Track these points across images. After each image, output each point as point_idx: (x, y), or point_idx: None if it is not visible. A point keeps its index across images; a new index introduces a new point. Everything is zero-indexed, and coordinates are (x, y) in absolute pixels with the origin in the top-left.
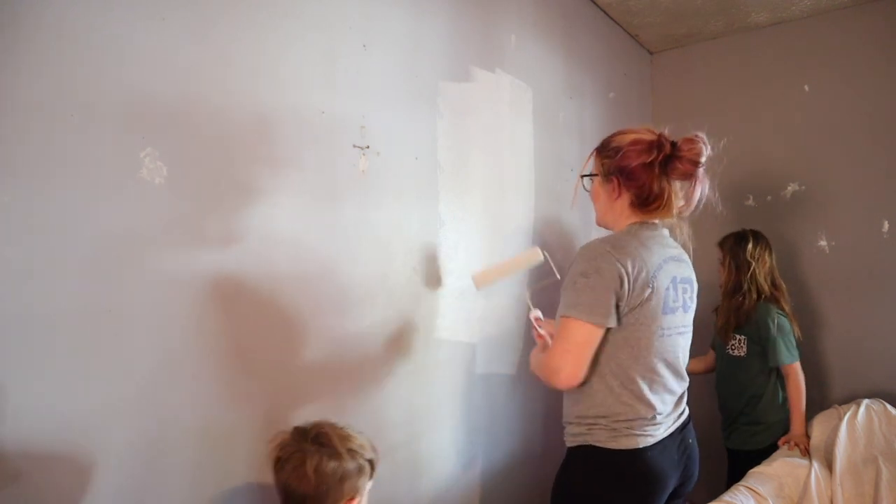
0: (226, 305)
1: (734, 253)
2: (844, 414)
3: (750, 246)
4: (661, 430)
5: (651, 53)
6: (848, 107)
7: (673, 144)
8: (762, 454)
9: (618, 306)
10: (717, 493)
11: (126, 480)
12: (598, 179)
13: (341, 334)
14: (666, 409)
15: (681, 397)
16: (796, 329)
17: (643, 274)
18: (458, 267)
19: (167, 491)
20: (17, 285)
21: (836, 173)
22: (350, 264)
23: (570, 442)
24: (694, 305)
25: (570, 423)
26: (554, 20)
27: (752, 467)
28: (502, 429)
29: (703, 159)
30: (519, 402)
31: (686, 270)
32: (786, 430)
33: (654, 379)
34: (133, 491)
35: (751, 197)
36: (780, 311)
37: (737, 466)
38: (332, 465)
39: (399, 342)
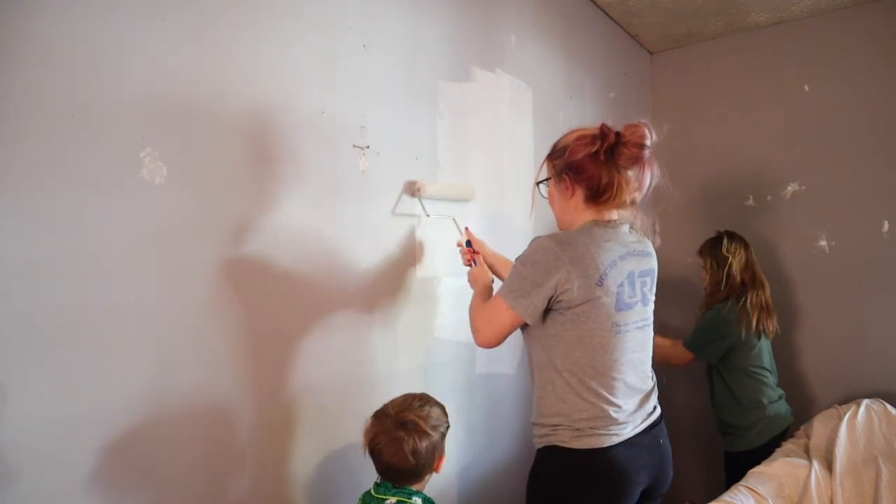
0: (225, 305)
1: (713, 253)
2: (844, 414)
3: (725, 242)
4: (628, 428)
5: (651, 53)
6: (848, 107)
7: (617, 134)
8: (746, 455)
9: (559, 301)
10: (716, 493)
11: (126, 480)
12: (551, 182)
13: (341, 334)
14: (630, 407)
15: (647, 395)
16: (771, 324)
17: (592, 271)
18: (458, 267)
19: (168, 491)
20: (18, 285)
21: (836, 173)
22: (350, 264)
23: (538, 443)
24: (653, 298)
25: (536, 424)
26: (554, 20)
27: (740, 467)
28: (502, 429)
29: (647, 142)
30: (519, 402)
31: (647, 263)
32: (759, 430)
33: (614, 377)
34: (133, 490)
35: (751, 197)
36: (732, 310)
37: (729, 467)
38: (424, 444)
39: (399, 342)
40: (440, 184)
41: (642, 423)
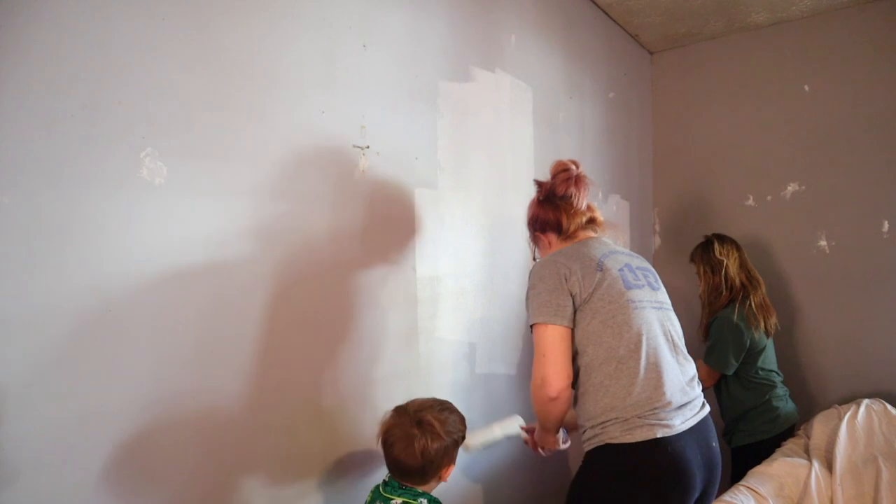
0: (225, 305)
1: (705, 258)
2: (844, 414)
3: (717, 246)
4: (678, 420)
5: (651, 53)
6: (848, 107)
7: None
8: (751, 448)
9: (574, 299)
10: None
11: (126, 480)
12: (536, 248)
13: (341, 334)
14: (673, 386)
15: (690, 380)
16: (772, 322)
17: (588, 262)
18: (458, 267)
19: (168, 491)
20: (18, 285)
21: (836, 173)
22: (350, 264)
23: (587, 446)
24: (662, 288)
25: (585, 429)
26: (554, 20)
27: (744, 460)
28: None
29: (570, 167)
30: (519, 402)
31: (641, 261)
32: (765, 422)
33: (647, 352)
34: (133, 490)
35: (751, 197)
36: (741, 316)
37: (735, 462)
38: (435, 445)
39: (399, 342)
40: (478, 434)
41: (693, 416)
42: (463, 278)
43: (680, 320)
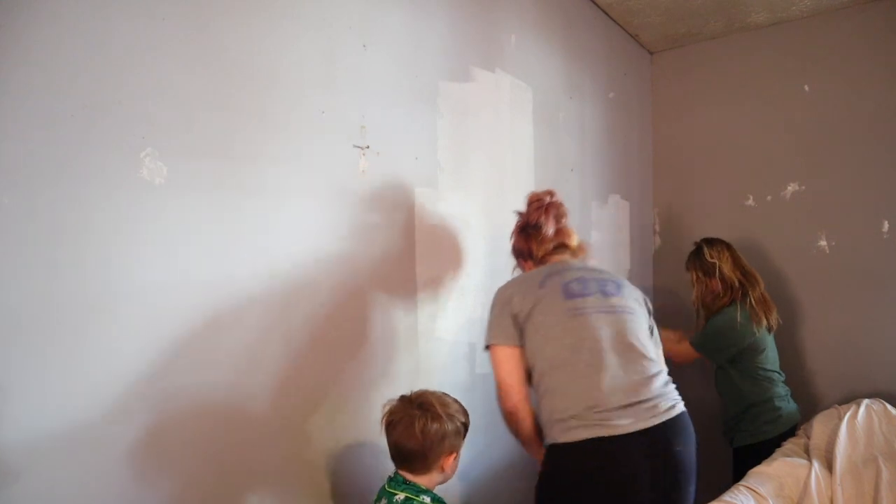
0: (224, 305)
1: (697, 263)
2: (844, 414)
3: (706, 249)
4: (626, 420)
5: (651, 53)
6: (848, 107)
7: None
8: (748, 450)
9: (517, 318)
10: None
11: (126, 480)
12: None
13: (341, 334)
14: (615, 387)
15: (647, 379)
16: (773, 317)
17: (532, 282)
18: (458, 267)
19: (167, 491)
20: (18, 286)
21: (836, 173)
22: (350, 264)
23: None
24: (625, 294)
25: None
26: (554, 20)
27: (746, 460)
28: (502, 428)
29: (543, 197)
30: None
31: (599, 274)
32: (766, 422)
33: (585, 356)
34: (133, 490)
35: (751, 197)
36: (745, 315)
37: (736, 463)
38: (434, 426)
39: (399, 342)
40: None
41: (651, 418)
42: (463, 278)
43: (680, 323)
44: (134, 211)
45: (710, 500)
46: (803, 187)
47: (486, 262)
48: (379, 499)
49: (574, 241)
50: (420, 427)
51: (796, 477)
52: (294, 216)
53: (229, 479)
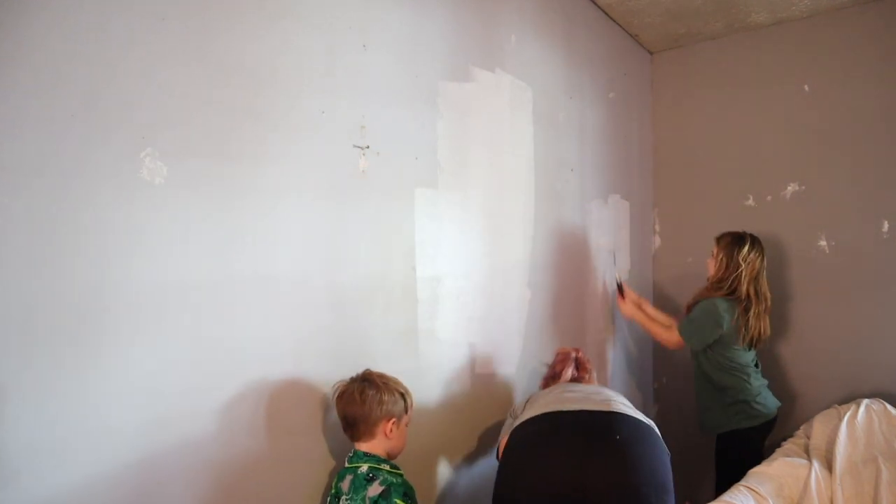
0: (224, 305)
1: (728, 251)
2: (844, 414)
3: (745, 249)
4: (575, 406)
5: (651, 53)
6: (848, 107)
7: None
8: (726, 438)
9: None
10: (716, 493)
11: (126, 480)
12: None
13: (341, 334)
14: (578, 399)
15: (605, 402)
16: (761, 340)
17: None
18: (458, 267)
19: (167, 491)
20: (18, 286)
21: (836, 173)
22: (349, 264)
23: None
24: (611, 397)
25: None
26: (554, 20)
27: (724, 448)
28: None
29: (568, 352)
30: (519, 402)
31: (592, 390)
32: (736, 413)
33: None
34: (133, 490)
35: (751, 197)
36: (727, 308)
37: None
38: (371, 391)
39: (399, 342)
40: None
41: (598, 405)
42: (463, 278)
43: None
44: (134, 211)
45: (709, 500)
46: (803, 187)
47: (486, 262)
48: (342, 477)
49: (587, 374)
50: (359, 392)
51: (796, 477)
52: (294, 216)
53: (226, 479)
